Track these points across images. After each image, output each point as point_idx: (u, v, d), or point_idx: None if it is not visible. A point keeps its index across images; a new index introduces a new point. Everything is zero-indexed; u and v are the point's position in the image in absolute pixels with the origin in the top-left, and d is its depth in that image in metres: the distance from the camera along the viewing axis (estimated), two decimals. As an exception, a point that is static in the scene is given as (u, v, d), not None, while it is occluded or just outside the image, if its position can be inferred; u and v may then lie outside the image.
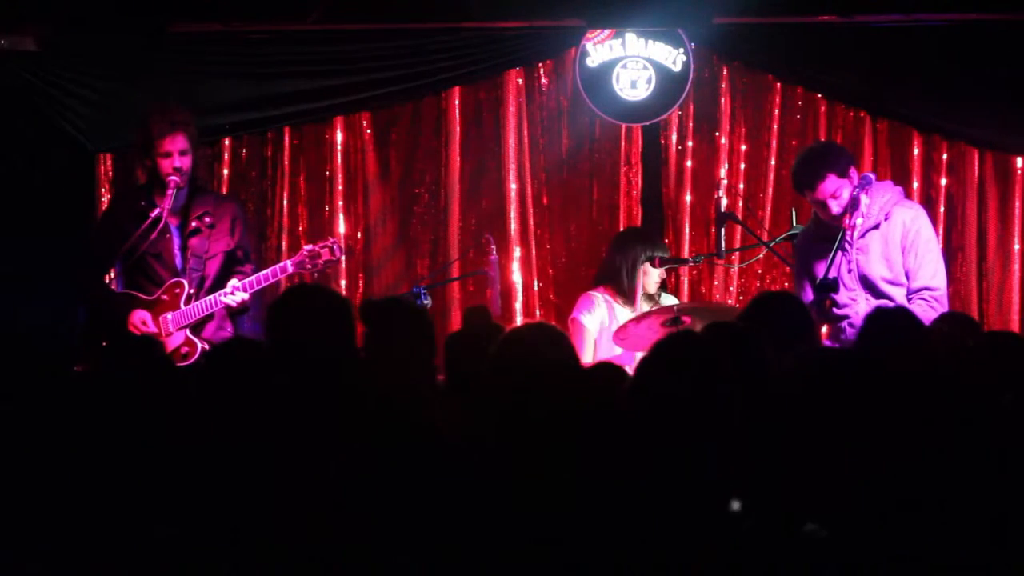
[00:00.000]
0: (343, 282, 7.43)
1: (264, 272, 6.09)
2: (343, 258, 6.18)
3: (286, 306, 4.16)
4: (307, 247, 6.13)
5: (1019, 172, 7.42)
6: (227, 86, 7.31)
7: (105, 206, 6.97)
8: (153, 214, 6.03)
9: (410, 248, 7.57)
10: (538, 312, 7.51)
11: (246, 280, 6.05)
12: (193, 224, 6.14)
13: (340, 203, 7.46)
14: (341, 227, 7.44)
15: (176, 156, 6.05)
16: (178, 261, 6.12)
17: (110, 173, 7.37)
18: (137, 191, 6.30)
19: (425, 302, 6.42)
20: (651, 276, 6.46)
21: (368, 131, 7.51)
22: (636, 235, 6.72)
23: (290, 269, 6.09)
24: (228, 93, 7.32)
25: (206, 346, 6.03)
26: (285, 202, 7.45)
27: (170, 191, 6.05)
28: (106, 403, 3.43)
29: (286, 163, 7.47)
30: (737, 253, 7.03)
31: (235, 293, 6.00)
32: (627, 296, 6.47)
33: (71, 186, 7.27)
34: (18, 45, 7.13)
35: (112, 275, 6.48)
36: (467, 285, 7.38)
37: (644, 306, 6.46)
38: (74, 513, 3.19)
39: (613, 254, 6.59)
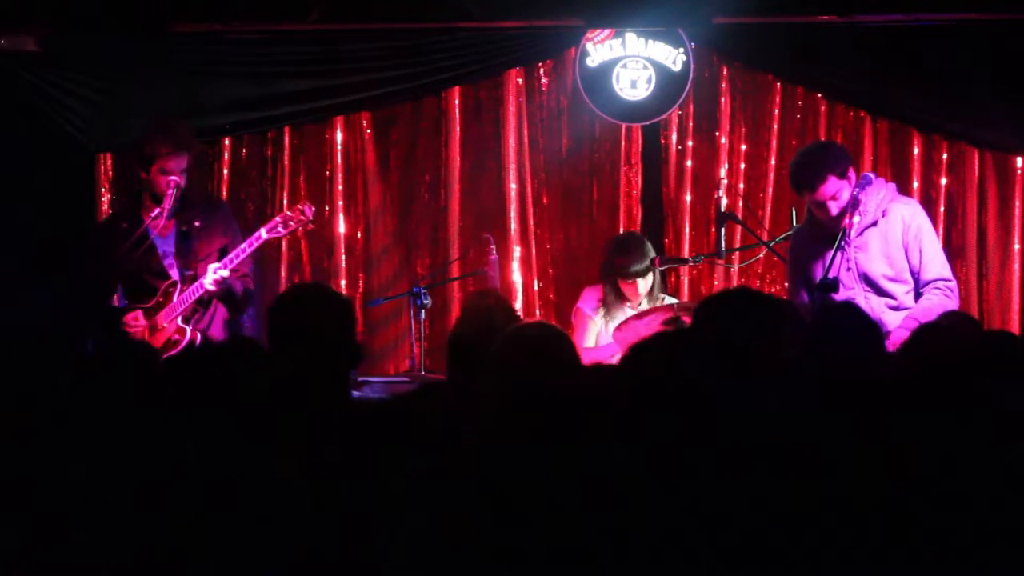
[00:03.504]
0: (343, 282, 7.44)
1: (240, 246, 6.03)
2: (312, 218, 6.11)
3: (286, 307, 4.15)
4: (279, 215, 6.15)
5: (1019, 172, 7.42)
6: (227, 86, 7.32)
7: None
8: (146, 222, 6.05)
9: (410, 247, 7.58)
10: (538, 312, 7.51)
11: (223, 259, 6.04)
12: (183, 228, 6.14)
13: (340, 202, 7.47)
14: (341, 227, 7.45)
15: (175, 175, 6.03)
16: (173, 272, 6.11)
17: (110, 173, 7.38)
18: (116, 216, 6.36)
19: (425, 302, 6.45)
20: (631, 288, 6.45)
21: (368, 131, 7.51)
22: (612, 249, 6.57)
23: (264, 236, 6.03)
24: (228, 93, 7.32)
25: (197, 335, 6.03)
26: (285, 202, 7.44)
27: (170, 191, 6.03)
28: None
29: (286, 163, 7.48)
30: (737, 253, 7.03)
31: (215, 273, 5.98)
32: (607, 306, 6.51)
33: (71, 186, 7.27)
34: (18, 45, 7.13)
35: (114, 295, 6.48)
36: (467, 285, 7.37)
37: (644, 305, 6.47)
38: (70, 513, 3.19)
39: (601, 261, 6.62)
